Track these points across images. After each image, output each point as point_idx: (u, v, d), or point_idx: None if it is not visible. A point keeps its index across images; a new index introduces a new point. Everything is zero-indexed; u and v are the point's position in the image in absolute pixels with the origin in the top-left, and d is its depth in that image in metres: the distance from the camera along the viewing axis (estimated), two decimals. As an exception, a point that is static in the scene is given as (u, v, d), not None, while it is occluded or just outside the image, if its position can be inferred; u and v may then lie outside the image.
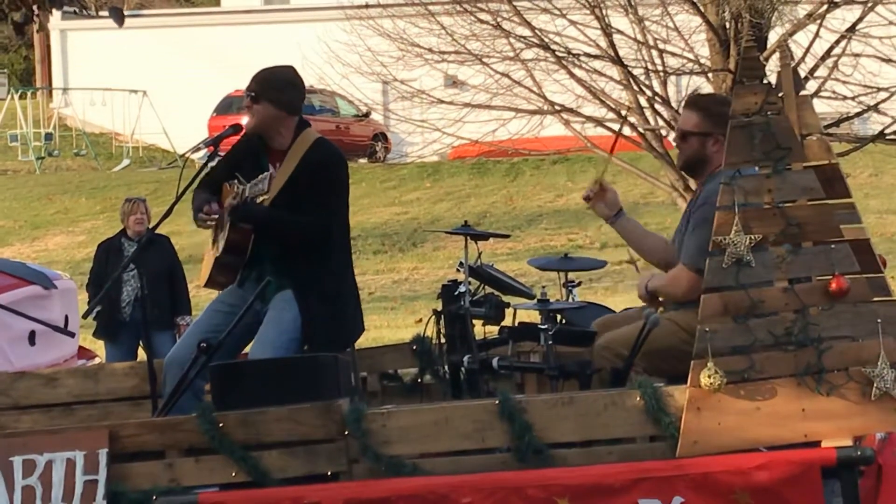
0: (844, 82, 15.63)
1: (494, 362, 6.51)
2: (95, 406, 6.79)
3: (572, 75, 15.89)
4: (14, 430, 6.28)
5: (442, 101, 16.74)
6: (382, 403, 6.76)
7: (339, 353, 6.18)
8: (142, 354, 11.34)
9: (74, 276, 12.01)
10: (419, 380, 7.20)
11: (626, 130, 15.86)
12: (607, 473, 5.37)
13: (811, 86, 15.21)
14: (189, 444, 5.58)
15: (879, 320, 5.38)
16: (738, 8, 15.26)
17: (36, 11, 12.80)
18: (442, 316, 7.20)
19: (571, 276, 9.18)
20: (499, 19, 16.09)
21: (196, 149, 6.97)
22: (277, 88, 6.57)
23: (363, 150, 34.73)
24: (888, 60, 15.77)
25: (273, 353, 6.27)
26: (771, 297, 5.43)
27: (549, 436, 5.47)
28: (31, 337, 8.65)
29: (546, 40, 15.89)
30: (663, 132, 15.73)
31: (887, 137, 15.81)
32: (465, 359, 6.78)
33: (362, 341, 6.91)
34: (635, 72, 15.78)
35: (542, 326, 6.35)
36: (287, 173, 6.52)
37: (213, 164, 6.73)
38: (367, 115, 32.17)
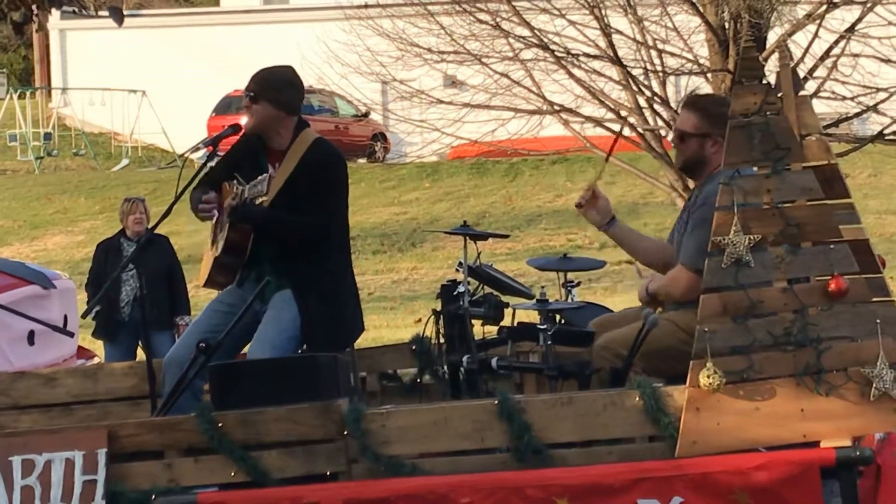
0: (843, 83, 15.63)
1: (493, 362, 6.51)
2: (94, 406, 6.79)
3: (571, 75, 15.88)
4: (13, 429, 6.27)
5: (441, 101, 16.74)
6: (382, 403, 6.76)
7: (338, 353, 6.18)
8: (141, 354, 11.34)
9: (73, 276, 11.99)
10: (418, 380, 7.20)
11: (626, 131, 15.88)
12: (606, 473, 5.37)
13: (810, 86, 15.21)
14: (188, 444, 5.59)
15: (878, 321, 5.38)
16: (737, 8, 15.25)
17: (35, 11, 12.80)
18: (441, 316, 7.20)
19: (570, 276, 9.18)
20: (498, 19, 16.08)
21: (195, 149, 6.97)
22: (276, 88, 6.57)
23: (362, 150, 34.71)
24: (887, 61, 15.76)
25: (272, 352, 6.27)
26: (770, 298, 5.43)
27: (548, 436, 5.47)
28: (31, 337, 8.65)
29: (545, 40, 15.88)
30: (662, 132, 15.73)
31: (886, 138, 15.80)
32: (465, 359, 6.77)
33: (361, 341, 6.91)
34: (634, 72, 15.78)
35: (542, 326, 6.35)
36: (286, 173, 6.52)
37: (212, 164, 6.73)
38: (366, 115, 32.16)
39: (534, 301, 6.70)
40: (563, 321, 7.12)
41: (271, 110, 6.55)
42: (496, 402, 5.51)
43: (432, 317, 7.28)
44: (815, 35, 15.62)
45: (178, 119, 34.72)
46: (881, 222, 23.77)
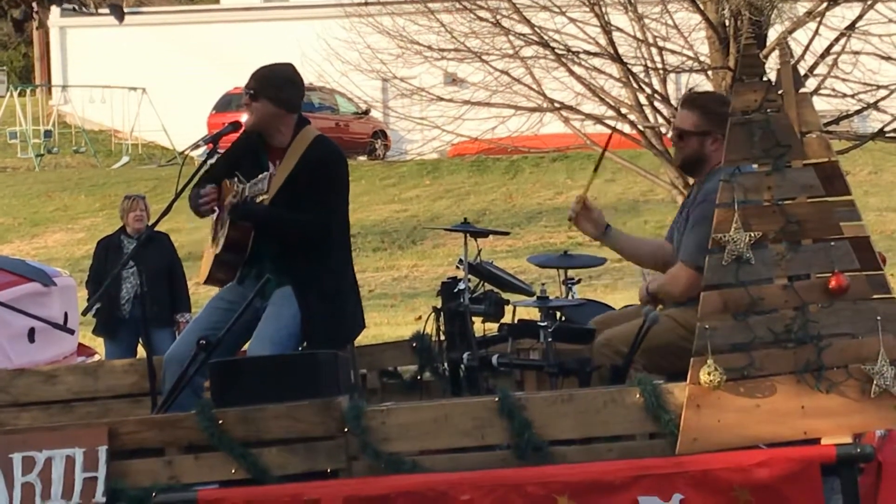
0: (844, 80, 15.62)
1: (494, 359, 6.51)
2: (95, 403, 6.79)
3: (572, 73, 15.88)
4: (14, 426, 6.27)
5: (441, 99, 16.73)
6: (382, 400, 6.76)
7: (338, 350, 6.18)
8: (141, 351, 11.34)
9: (74, 274, 11.98)
10: (419, 377, 7.20)
11: (626, 128, 15.88)
12: (607, 470, 5.37)
13: (811, 83, 15.20)
14: (188, 442, 5.59)
15: (879, 318, 5.38)
16: (737, 5, 15.25)
17: (35, 8, 12.78)
18: (441, 313, 7.20)
19: (571, 273, 9.18)
20: (498, 17, 16.07)
21: (195, 146, 6.97)
22: (276, 86, 6.56)
23: (363, 147, 34.73)
24: (888, 58, 15.75)
25: (272, 349, 6.27)
26: (770, 295, 5.43)
27: (548, 433, 5.47)
28: (31, 334, 8.65)
29: (545, 38, 15.88)
30: (663, 130, 15.73)
31: (887, 135, 15.80)
32: (465, 356, 6.77)
33: (362, 338, 6.91)
34: (635, 69, 15.77)
35: (542, 323, 6.35)
36: (287, 171, 6.51)
37: (212, 161, 6.72)
38: (366, 112, 32.10)
39: (534, 298, 6.70)
40: (563, 318, 7.12)
41: (271, 108, 6.55)
42: (496, 399, 5.51)
43: (433, 314, 7.28)
44: (816, 32, 15.62)
45: (179, 116, 34.73)
46: (882, 219, 23.76)
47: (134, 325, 11.30)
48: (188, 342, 6.31)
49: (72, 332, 8.88)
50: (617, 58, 15.61)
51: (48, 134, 36.02)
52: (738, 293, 5.42)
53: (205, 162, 6.72)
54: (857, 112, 16.17)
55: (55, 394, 6.80)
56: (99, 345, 11.75)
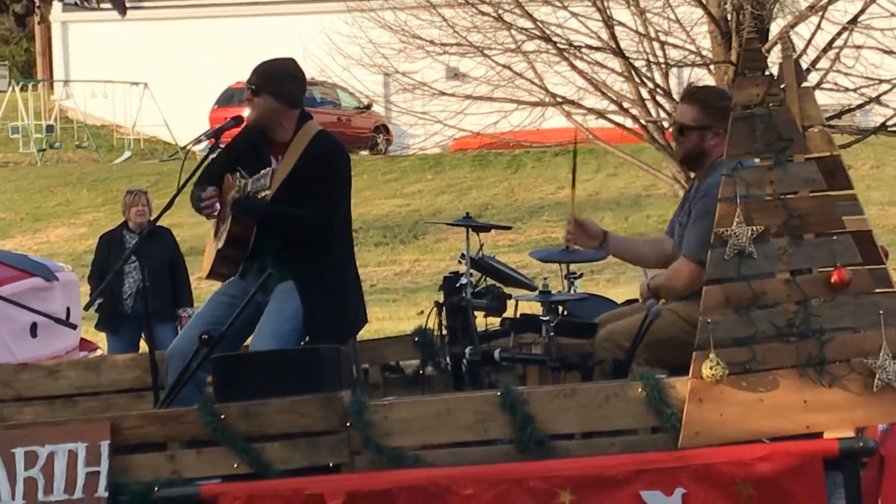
0: (846, 74, 15.62)
1: (496, 354, 6.51)
2: (97, 398, 6.79)
3: (574, 67, 15.88)
4: (16, 421, 6.28)
5: (443, 93, 16.74)
6: (384, 395, 6.75)
7: (340, 344, 6.18)
8: (143, 346, 11.33)
9: (76, 269, 11.99)
10: (421, 371, 7.20)
11: (629, 122, 15.89)
12: (609, 465, 5.37)
13: (813, 77, 15.21)
14: (191, 436, 5.59)
15: (881, 312, 5.38)
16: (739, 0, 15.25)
17: (37, 3, 12.81)
18: (444, 308, 7.20)
19: (573, 267, 9.17)
20: (500, 11, 16.07)
21: (197, 141, 6.96)
22: (278, 81, 6.56)
23: (365, 142, 34.69)
24: (890, 52, 15.75)
25: (274, 343, 6.27)
26: (773, 289, 5.43)
27: (550, 427, 5.48)
28: (33, 329, 8.65)
29: (547, 32, 15.88)
30: (665, 124, 15.73)
31: (889, 129, 15.80)
32: (467, 350, 6.77)
33: (364, 333, 6.90)
34: (637, 64, 15.77)
35: (544, 318, 6.35)
36: (289, 166, 6.51)
37: (214, 156, 6.72)
38: (368, 107, 32.15)
39: (536, 292, 6.69)
40: (565, 313, 7.12)
41: (273, 103, 6.55)
42: (499, 393, 5.51)
43: (435, 308, 7.29)
44: (818, 26, 15.62)
45: (181, 111, 34.67)
46: (884, 213, 23.74)
47: (136, 319, 11.30)
48: (190, 337, 6.32)
49: (74, 326, 8.88)
50: (619, 52, 15.61)
51: (50, 129, 36.00)
52: (741, 287, 5.42)
53: (207, 157, 6.72)
54: (860, 106, 16.17)
55: (57, 388, 6.81)
56: (101, 340, 11.76)
